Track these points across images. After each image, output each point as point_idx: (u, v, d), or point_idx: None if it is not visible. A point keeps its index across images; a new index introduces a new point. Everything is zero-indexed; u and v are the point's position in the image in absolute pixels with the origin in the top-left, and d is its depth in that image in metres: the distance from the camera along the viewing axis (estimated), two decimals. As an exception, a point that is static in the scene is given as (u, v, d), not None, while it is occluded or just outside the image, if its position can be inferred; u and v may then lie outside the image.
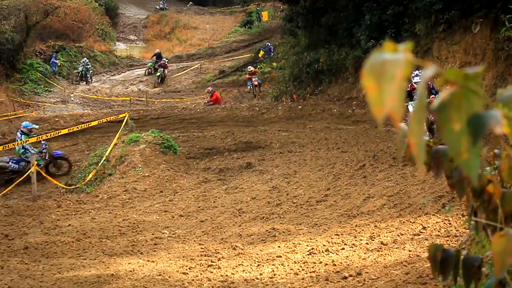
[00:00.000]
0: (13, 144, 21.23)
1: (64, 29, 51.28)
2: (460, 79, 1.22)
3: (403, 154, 2.31)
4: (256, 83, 37.72)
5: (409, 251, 9.07)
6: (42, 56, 46.02)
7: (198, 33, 63.97)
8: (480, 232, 2.82)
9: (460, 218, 10.19)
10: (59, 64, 46.10)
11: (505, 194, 2.33)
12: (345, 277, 8.18)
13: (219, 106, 30.69)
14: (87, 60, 46.77)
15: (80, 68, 46.27)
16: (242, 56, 51.80)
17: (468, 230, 7.74)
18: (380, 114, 1.19)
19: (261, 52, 48.55)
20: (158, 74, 46.70)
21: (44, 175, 18.80)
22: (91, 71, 46.88)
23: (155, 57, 49.03)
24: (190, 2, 75.57)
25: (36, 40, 45.43)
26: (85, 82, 45.96)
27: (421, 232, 10.01)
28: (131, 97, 39.71)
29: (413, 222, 10.64)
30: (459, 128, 1.22)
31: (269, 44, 48.26)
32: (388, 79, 1.17)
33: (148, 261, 10.06)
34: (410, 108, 12.63)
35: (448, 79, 1.23)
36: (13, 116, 31.00)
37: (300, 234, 11.09)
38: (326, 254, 9.53)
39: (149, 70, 48.60)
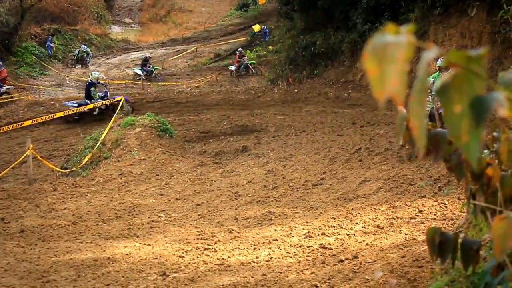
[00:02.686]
0: (8, 128, 21.23)
1: (59, 12, 51.10)
2: (463, 61, 1.21)
3: (401, 137, 2.30)
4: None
5: (406, 234, 9.08)
6: (37, 39, 45.83)
7: (194, 16, 63.80)
8: (479, 215, 2.82)
9: (456, 201, 10.21)
10: (54, 48, 45.94)
11: (505, 177, 2.32)
12: (341, 261, 8.19)
13: (214, 90, 30.67)
14: (86, 47, 46.65)
15: (76, 51, 46.13)
16: (237, 40, 51.69)
17: (464, 214, 7.75)
18: (382, 97, 1.18)
19: (258, 27, 48.49)
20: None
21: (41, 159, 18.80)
22: (90, 54, 46.74)
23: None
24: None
25: (31, 23, 45.19)
26: (80, 66, 45.79)
27: (417, 216, 10.02)
28: (127, 81, 39.60)
29: (409, 206, 10.65)
30: (460, 111, 1.21)
31: (265, 28, 48.17)
32: (390, 62, 1.16)
33: (145, 244, 10.06)
34: None
35: (451, 61, 1.22)
36: (8, 100, 30.87)
37: (296, 218, 11.10)
38: (322, 238, 9.53)
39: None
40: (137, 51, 52.66)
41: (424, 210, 10.22)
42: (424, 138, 1.23)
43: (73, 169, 18.51)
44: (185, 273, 8.31)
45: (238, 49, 43.97)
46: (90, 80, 26.19)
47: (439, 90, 1.21)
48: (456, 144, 1.23)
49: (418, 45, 1.23)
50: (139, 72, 41.52)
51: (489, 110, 1.19)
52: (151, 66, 42.59)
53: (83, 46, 46.71)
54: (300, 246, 9.18)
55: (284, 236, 9.88)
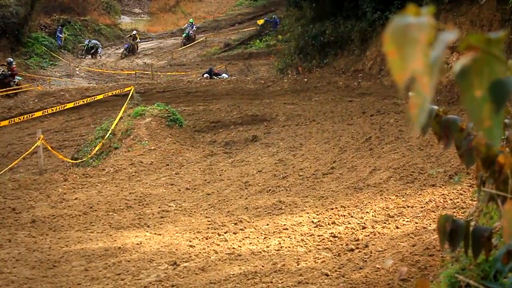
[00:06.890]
0: (19, 118, 21.33)
1: (69, 2, 51.18)
2: (482, 44, 1.20)
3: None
4: None
5: (416, 223, 9.06)
6: (47, 30, 45.95)
7: (203, 6, 63.69)
8: (489, 203, 2.81)
9: (467, 190, 10.17)
10: (63, 38, 46.02)
11: (517, 164, 2.31)
12: (352, 249, 8.19)
13: (224, 80, 30.66)
14: (98, 43, 46.68)
15: (86, 42, 46.22)
16: (247, 29, 51.59)
17: (475, 202, 7.73)
18: (402, 80, 1.16)
19: (261, 20, 48.14)
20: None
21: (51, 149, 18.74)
22: (100, 49, 46.71)
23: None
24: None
25: (40, 14, 45.33)
26: (90, 56, 45.89)
27: (428, 204, 10.00)
28: (136, 71, 39.62)
29: (420, 194, 10.62)
30: (481, 95, 1.19)
31: (275, 17, 48.06)
32: (411, 43, 1.14)
33: (155, 234, 10.08)
34: None
35: (470, 44, 1.20)
36: (18, 90, 30.97)
37: (306, 207, 11.08)
38: (333, 227, 9.52)
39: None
40: (147, 41, 52.67)
41: (435, 198, 10.19)
42: (423, 117, 1.21)
43: (83, 159, 18.56)
44: (196, 263, 8.33)
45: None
46: None
47: (459, 74, 1.20)
48: (478, 129, 1.22)
49: (438, 27, 1.22)
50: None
51: (510, 93, 1.18)
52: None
53: (94, 41, 46.73)
54: (310, 235, 9.17)
55: (294, 225, 9.87)
